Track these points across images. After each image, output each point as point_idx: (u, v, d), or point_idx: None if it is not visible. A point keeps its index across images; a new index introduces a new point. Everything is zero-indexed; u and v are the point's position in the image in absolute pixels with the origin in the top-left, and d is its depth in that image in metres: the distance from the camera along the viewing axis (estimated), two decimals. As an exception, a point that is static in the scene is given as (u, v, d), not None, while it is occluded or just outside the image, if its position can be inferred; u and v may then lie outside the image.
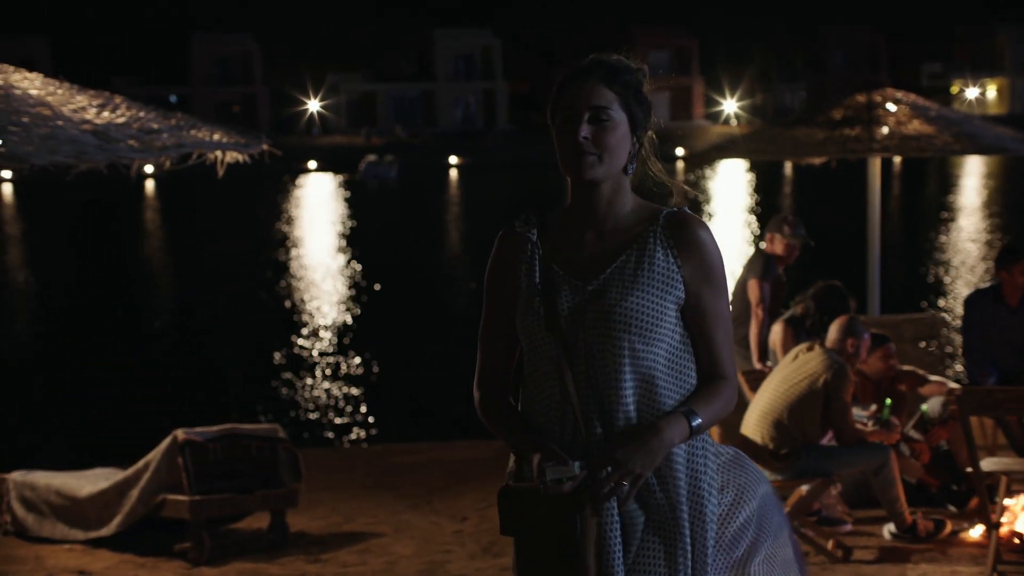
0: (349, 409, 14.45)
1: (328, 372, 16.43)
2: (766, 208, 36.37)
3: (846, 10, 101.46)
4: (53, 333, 20.85)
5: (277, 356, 17.47)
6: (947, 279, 23.41)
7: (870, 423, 7.38)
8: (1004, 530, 6.75)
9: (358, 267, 28.13)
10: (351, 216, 42.68)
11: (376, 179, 66.60)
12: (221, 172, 7.60)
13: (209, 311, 22.11)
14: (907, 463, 7.66)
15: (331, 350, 18.28)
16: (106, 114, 7.53)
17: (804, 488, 7.14)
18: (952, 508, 7.73)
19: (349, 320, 21.25)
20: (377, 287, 24.90)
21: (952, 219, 32.53)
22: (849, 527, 7.45)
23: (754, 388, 7.69)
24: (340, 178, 65.94)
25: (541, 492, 3.03)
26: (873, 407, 7.65)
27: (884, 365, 7.77)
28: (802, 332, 7.79)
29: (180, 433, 7.83)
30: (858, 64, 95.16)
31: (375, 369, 16.87)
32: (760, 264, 8.73)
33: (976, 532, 7.18)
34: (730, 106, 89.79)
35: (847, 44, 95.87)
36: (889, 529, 7.23)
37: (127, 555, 7.91)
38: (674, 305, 3.19)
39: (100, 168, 7.02)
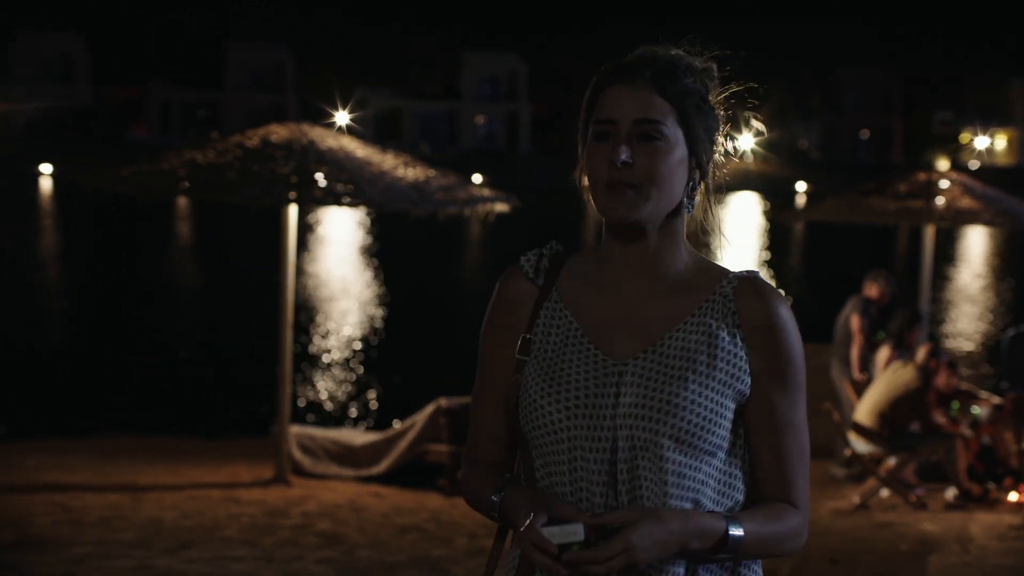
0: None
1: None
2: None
3: (863, 52, 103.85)
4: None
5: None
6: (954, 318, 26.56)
7: (943, 419, 10.49)
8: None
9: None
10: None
11: None
12: (492, 218, 10.69)
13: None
14: (962, 451, 10.74)
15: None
16: (410, 172, 10.53)
17: (892, 460, 10.24)
18: (992, 485, 10.78)
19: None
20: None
21: (950, 276, 35.48)
22: (922, 491, 10.51)
23: (858, 392, 10.86)
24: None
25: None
26: (941, 409, 10.77)
27: (951, 382, 10.87)
28: (903, 352, 10.85)
29: (443, 401, 10.81)
30: (871, 106, 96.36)
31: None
32: (861, 304, 11.75)
33: (1012, 497, 10.24)
34: (746, 142, 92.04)
35: (862, 86, 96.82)
36: (951, 492, 10.29)
37: (393, 488, 10.67)
38: (734, 403, 2.36)
39: (423, 214, 10.05)
